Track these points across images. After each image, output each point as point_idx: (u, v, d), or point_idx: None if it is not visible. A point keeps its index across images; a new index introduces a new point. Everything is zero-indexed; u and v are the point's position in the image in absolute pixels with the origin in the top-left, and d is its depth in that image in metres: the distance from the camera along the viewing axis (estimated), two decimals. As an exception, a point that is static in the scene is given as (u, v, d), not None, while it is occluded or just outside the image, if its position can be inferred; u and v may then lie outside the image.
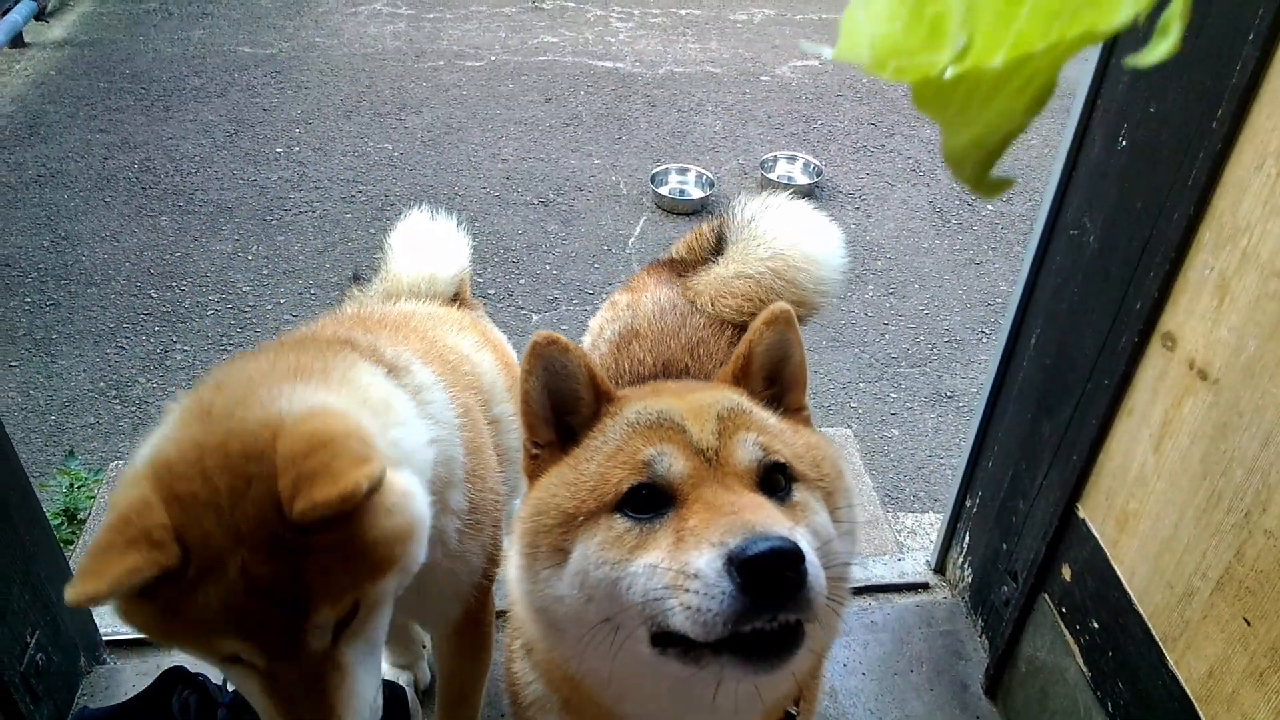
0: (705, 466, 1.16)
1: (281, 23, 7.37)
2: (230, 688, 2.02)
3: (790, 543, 1.00)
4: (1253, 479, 1.54)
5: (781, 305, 1.34)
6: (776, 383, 1.38)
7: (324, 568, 1.24)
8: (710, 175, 5.52)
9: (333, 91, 6.44)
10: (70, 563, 2.45)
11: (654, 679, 1.18)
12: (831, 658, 2.52)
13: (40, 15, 7.06)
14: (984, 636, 2.55)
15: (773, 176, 5.58)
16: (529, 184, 5.57)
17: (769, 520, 1.05)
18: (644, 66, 6.95)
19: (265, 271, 4.82)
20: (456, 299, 2.22)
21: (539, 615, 1.24)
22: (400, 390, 1.53)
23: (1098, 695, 2.01)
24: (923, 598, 2.73)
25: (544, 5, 7.85)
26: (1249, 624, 1.57)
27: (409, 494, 1.35)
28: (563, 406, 1.32)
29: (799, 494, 1.21)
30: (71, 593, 1.15)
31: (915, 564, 2.82)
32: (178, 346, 4.29)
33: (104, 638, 2.48)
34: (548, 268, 4.93)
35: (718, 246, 2.11)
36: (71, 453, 3.69)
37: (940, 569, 2.76)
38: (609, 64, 6.96)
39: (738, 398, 1.29)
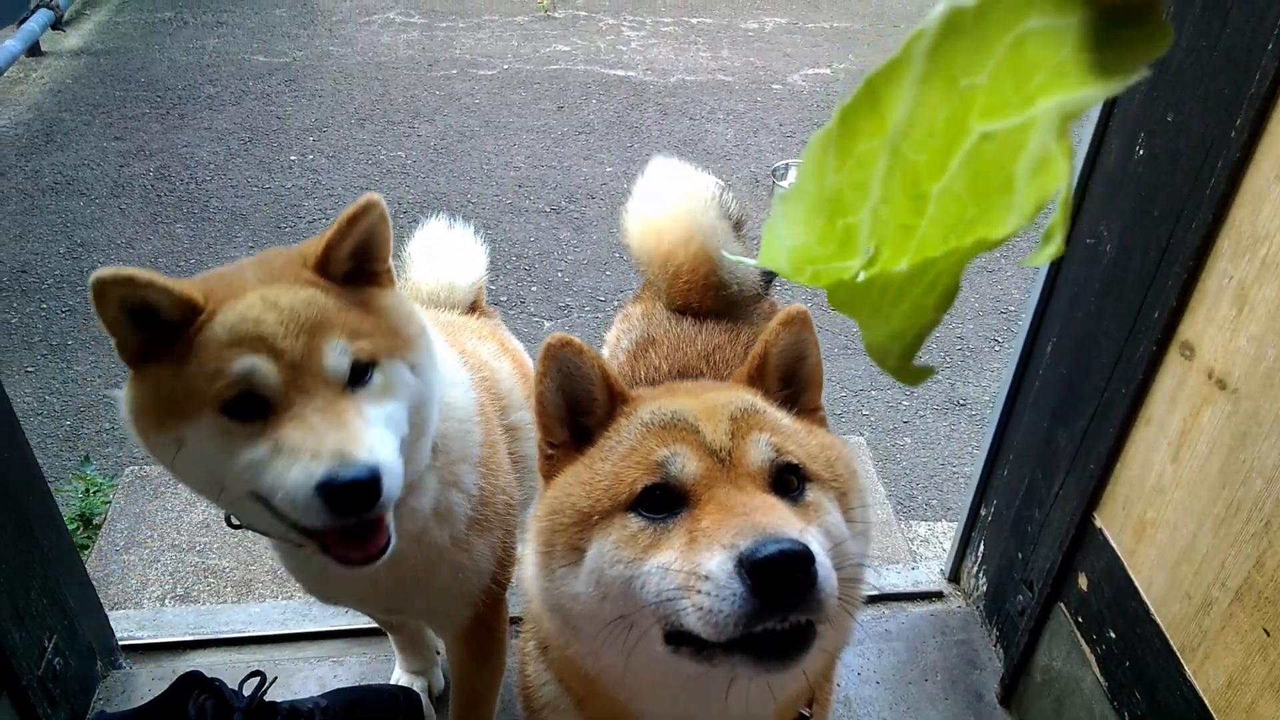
0: (718, 467, 1.17)
1: (295, 32, 7.42)
2: (246, 693, 2.03)
3: (800, 545, 1.01)
4: (1273, 488, 1.53)
5: (798, 306, 1.35)
6: (792, 383, 1.39)
7: (341, 307, 1.43)
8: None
9: (346, 100, 6.47)
10: (87, 568, 2.46)
11: (668, 676, 1.19)
12: (845, 665, 2.51)
13: (57, 24, 7.13)
14: (999, 646, 2.54)
15: (784, 184, 5.58)
16: (541, 191, 5.59)
17: (780, 522, 1.06)
18: (656, 75, 6.97)
19: (279, 278, 4.83)
20: (474, 307, 2.23)
21: (555, 613, 1.26)
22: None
23: (1114, 705, 2.00)
24: (937, 606, 2.72)
25: (556, 14, 7.89)
26: (1269, 634, 1.57)
27: (421, 317, 1.57)
28: (577, 407, 1.33)
29: (812, 494, 1.21)
30: (107, 270, 1.32)
31: (929, 572, 2.81)
32: (192, 353, 4.32)
33: (120, 642, 2.49)
34: (560, 275, 4.95)
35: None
36: (87, 458, 3.71)
37: (954, 578, 2.76)
38: (621, 72, 6.98)
39: (751, 398, 1.30)
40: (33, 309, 4.57)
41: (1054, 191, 0.46)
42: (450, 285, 2.14)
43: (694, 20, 7.88)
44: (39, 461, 2.25)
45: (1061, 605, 2.18)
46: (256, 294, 1.40)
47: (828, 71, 7.08)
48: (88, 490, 3.41)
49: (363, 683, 2.36)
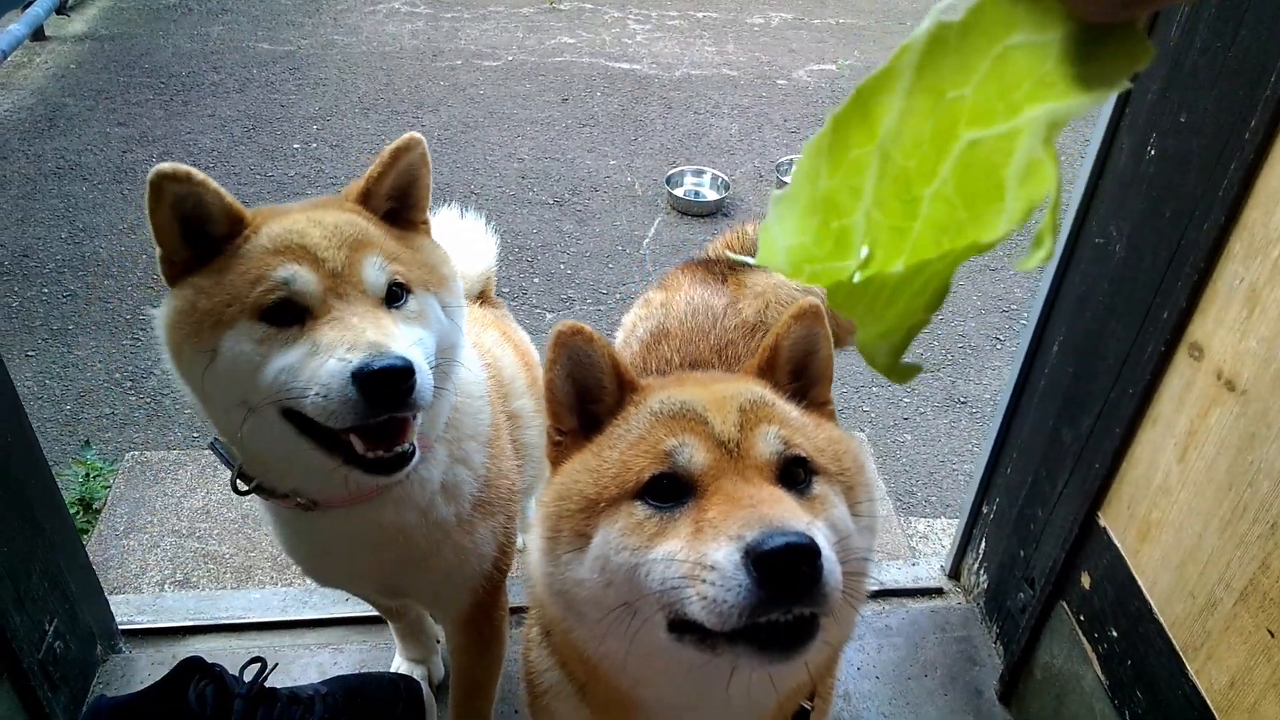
0: (726, 458, 1.17)
1: (300, 20, 7.40)
2: (247, 679, 2.03)
3: (807, 538, 1.01)
4: (1280, 490, 1.54)
5: (811, 300, 1.35)
6: (802, 377, 1.39)
7: (382, 234, 1.50)
8: (726, 178, 5.52)
9: (350, 89, 6.46)
10: (87, 552, 2.46)
11: (670, 664, 1.19)
12: (845, 660, 2.51)
13: (61, 9, 7.10)
14: (999, 643, 2.54)
15: (788, 180, 5.57)
16: (545, 183, 5.59)
17: (787, 515, 1.06)
18: (661, 68, 6.96)
19: (281, 266, 4.83)
20: (481, 297, 2.23)
21: (559, 598, 1.26)
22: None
23: (1115, 704, 2.00)
24: (937, 603, 2.73)
25: (561, 6, 7.87)
26: (1273, 635, 1.57)
27: (454, 265, 1.65)
28: (586, 395, 1.33)
29: (819, 487, 1.21)
30: (166, 165, 1.39)
31: (929, 569, 2.82)
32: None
33: (120, 627, 2.49)
34: (562, 267, 4.94)
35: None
36: (87, 443, 3.71)
37: (955, 574, 2.76)
38: (626, 65, 6.97)
39: (761, 390, 1.30)
40: (34, 293, 4.56)
41: (1043, 196, 0.47)
42: (460, 274, 2.15)
43: (699, 14, 7.87)
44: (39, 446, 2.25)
45: (1063, 603, 2.18)
46: (301, 214, 1.46)
47: (833, 68, 7.07)
48: (88, 475, 3.41)
49: (363, 670, 2.35)
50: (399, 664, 2.40)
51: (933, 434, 4.08)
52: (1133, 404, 1.86)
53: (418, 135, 1.57)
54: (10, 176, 5.38)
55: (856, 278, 0.54)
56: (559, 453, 1.34)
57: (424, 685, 2.29)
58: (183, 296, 1.43)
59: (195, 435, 3.84)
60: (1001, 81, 0.47)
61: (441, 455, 1.67)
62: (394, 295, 1.46)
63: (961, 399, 4.26)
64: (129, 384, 4.09)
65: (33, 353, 4.22)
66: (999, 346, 4.55)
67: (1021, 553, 2.38)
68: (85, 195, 5.25)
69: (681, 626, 1.10)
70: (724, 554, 1.03)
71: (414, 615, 2.34)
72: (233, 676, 2.03)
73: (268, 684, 2.05)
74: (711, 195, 5.47)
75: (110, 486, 3.32)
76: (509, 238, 5.06)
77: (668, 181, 5.45)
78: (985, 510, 2.57)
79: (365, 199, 1.55)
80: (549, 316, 4.57)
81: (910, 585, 2.76)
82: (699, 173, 5.57)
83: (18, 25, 6.45)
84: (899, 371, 0.60)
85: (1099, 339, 1.99)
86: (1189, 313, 1.71)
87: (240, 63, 6.70)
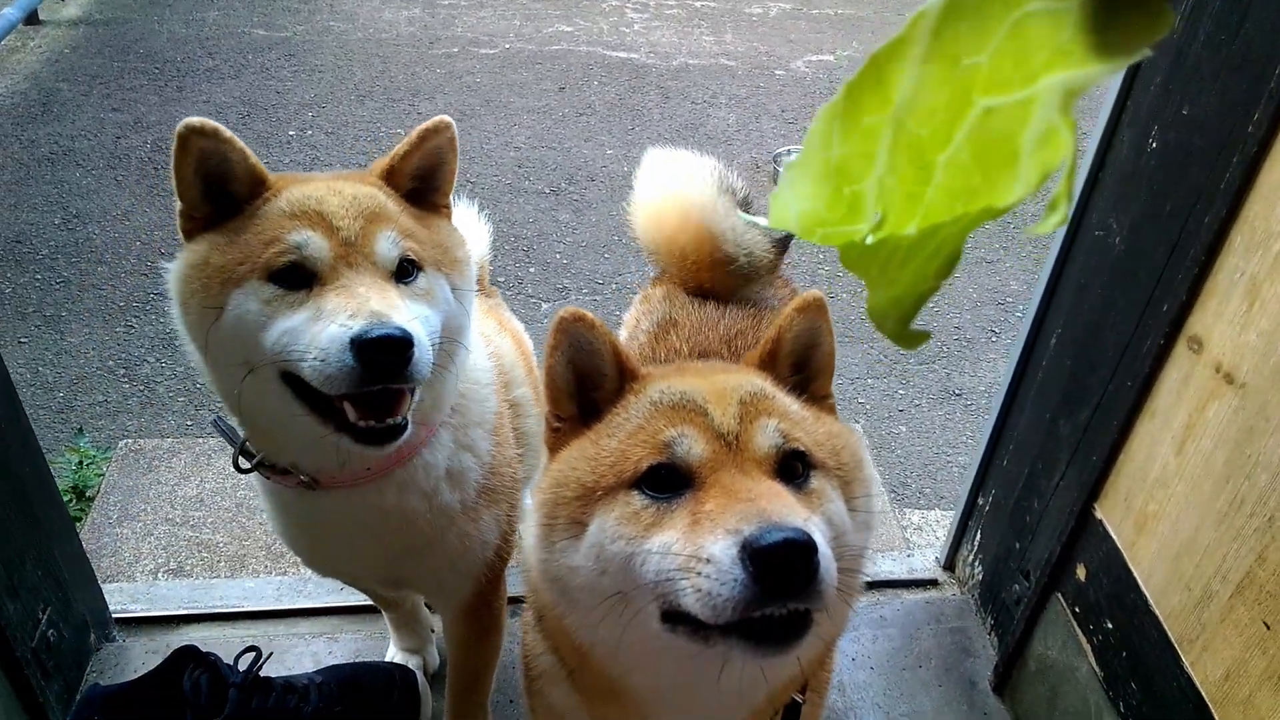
0: (725, 451, 1.17)
1: (296, 6, 7.36)
2: (241, 668, 2.02)
3: (805, 535, 1.01)
4: (1278, 483, 1.53)
5: (815, 292, 1.35)
6: (803, 369, 1.39)
7: (400, 210, 1.52)
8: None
9: (346, 76, 6.43)
10: (81, 540, 2.45)
11: (662, 654, 1.19)
12: (839, 650, 2.52)
13: (54, -8, 7.05)
14: (993, 634, 2.55)
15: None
16: (541, 173, 5.57)
17: (785, 510, 1.06)
18: (658, 58, 6.93)
19: (276, 254, 4.81)
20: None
21: (553, 584, 1.26)
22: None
23: (1109, 695, 2.01)
24: (931, 594, 2.73)
25: (558, -6, 7.84)
26: (1269, 628, 1.57)
27: (470, 253, 1.67)
28: (586, 382, 1.33)
29: (816, 481, 1.21)
30: (195, 119, 1.41)
31: (924, 560, 2.82)
32: (188, 327, 4.29)
33: (114, 615, 2.49)
34: (558, 256, 4.93)
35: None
36: (80, 430, 3.70)
37: (949, 566, 2.76)
38: (623, 54, 6.95)
39: (761, 382, 1.30)
40: (27, 280, 4.53)
41: (1059, 163, 0.47)
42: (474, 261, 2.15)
43: (698, 3, 7.84)
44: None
45: (1059, 595, 2.18)
46: (323, 182, 1.48)
47: (831, 58, 7.05)
48: (81, 463, 3.40)
49: (358, 660, 2.35)
50: (394, 653, 2.39)
51: (928, 426, 4.09)
52: (1131, 396, 1.86)
53: (448, 119, 1.59)
54: (3, 162, 5.34)
55: (869, 240, 0.54)
56: (557, 439, 1.34)
57: (419, 674, 2.29)
58: (196, 251, 1.45)
59: (189, 423, 3.83)
60: (1018, 49, 0.47)
61: (446, 440, 1.67)
62: (404, 271, 1.47)
63: (957, 391, 4.27)
64: (122, 371, 4.07)
65: (25, 339, 4.20)
66: (994, 339, 4.55)
67: (1017, 544, 2.38)
68: (79, 181, 5.22)
69: (675, 617, 1.10)
70: (720, 548, 1.02)
71: (409, 605, 2.34)
72: (227, 665, 2.03)
73: (262, 673, 2.05)
74: (708, 185, 5.45)
75: (103, 474, 3.30)
76: (505, 227, 5.04)
77: (665, 171, 5.43)
78: (981, 502, 2.57)
79: (389, 176, 1.57)
80: (545, 306, 4.56)
81: (905, 576, 2.76)
82: (696, 163, 5.54)
83: (11, 9, 6.40)
84: (908, 338, 0.59)
85: (1098, 331, 1.99)
86: (1188, 305, 1.71)
87: (235, 48, 6.66)
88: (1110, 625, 2.00)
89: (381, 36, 6.98)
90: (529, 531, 1.30)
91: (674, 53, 7.02)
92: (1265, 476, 1.56)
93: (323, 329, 1.33)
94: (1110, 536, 1.98)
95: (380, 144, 5.69)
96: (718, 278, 1.98)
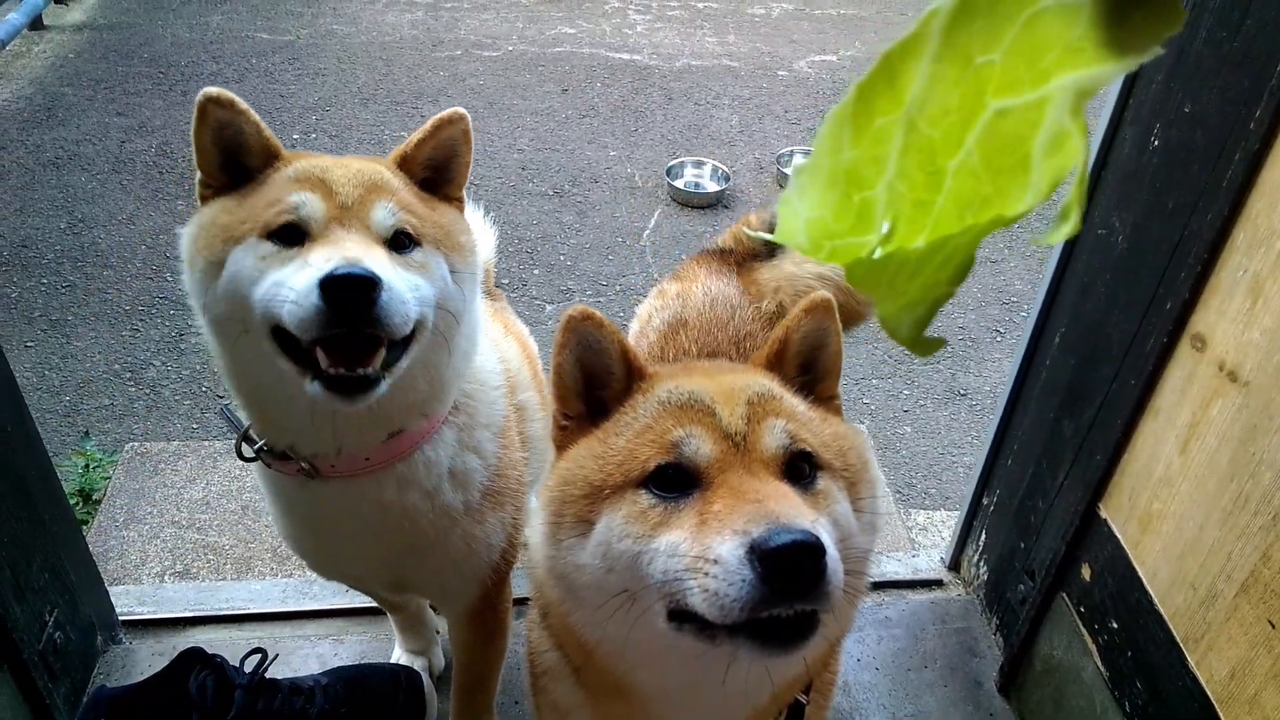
0: (732, 451, 1.17)
1: (300, 9, 7.38)
2: (247, 670, 2.03)
3: (812, 536, 1.01)
4: (1282, 482, 1.53)
5: (823, 294, 1.35)
6: (810, 370, 1.39)
7: (407, 189, 1.56)
8: (726, 169, 5.51)
9: (350, 79, 6.44)
10: (87, 542, 2.46)
11: (668, 652, 1.19)
12: (845, 651, 2.52)
13: (59, -2, 7.08)
14: (998, 634, 2.54)
15: (789, 171, 5.56)
16: (544, 175, 5.57)
17: (792, 511, 1.06)
18: (661, 59, 6.94)
19: (281, 257, 4.82)
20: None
21: (560, 582, 1.26)
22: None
23: (1115, 695, 2.00)
24: (937, 594, 2.73)
25: (561, -4, 7.84)
26: (1274, 626, 1.57)
27: (477, 243, 1.68)
28: (594, 380, 1.33)
29: (822, 482, 1.22)
30: (214, 89, 1.48)
31: (929, 560, 2.82)
32: (192, 330, 4.30)
33: (120, 618, 2.49)
34: (562, 258, 4.93)
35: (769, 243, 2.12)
36: (87, 434, 3.71)
37: (954, 566, 2.76)
38: (626, 56, 6.95)
39: (769, 383, 1.30)
40: (32, 284, 4.55)
41: (1070, 168, 0.46)
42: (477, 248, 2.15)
43: (700, 4, 7.84)
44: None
45: (1063, 595, 2.18)
46: (332, 158, 1.53)
47: (834, 59, 7.05)
48: (87, 466, 3.41)
49: (363, 661, 2.36)
50: (399, 655, 2.40)
51: (933, 426, 4.08)
52: (1134, 395, 1.86)
53: (463, 111, 1.62)
54: (9, 167, 5.36)
55: (877, 254, 0.53)
56: (565, 437, 1.35)
57: (425, 676, 2.30)
58: (207, 213, 1.51)
59: (194, 426, 3.84)
60: (1030, 47, 0.46)
61: (450, 439, 1.67)
62: (401, 243, 1.50)
63: (962, 391, 4.26)
64: (128, 375, 4.09)
65: (32, 343, 4.21)
66: (999, 339, 4.55)
67: (1022, 544, 2.38)
68: (84, 185, 5.24)
69: (681, 616, 1.10)
70: (728, 548, 1.03)
71: (414, 607, 2.34)
72: (233, 667, 2.03)
73: (268, 675, 2.05)
74: (712, 187, 5.46)
75: (110, 477, 3.31)
76: (509, 229, 5.05)
77: (668, 173, 5.44)
78: (985, 502, 2.57)
79: (403, 163, 1.61)
80: (549, 308, 4.57)
81: (910, 577, 2.76)
82: (699, 164, 5.56)
83: (16, 14, 6.43)
84: (923, 344, 0.59)
85: (1101, 330, 1.99)
86: (1191, 304, 1.71)
87: (239, 52, 6.68)
88: (1115, 625, 2.00)
89: (385, 39, 6.99)
90: (535, 529, 1.31)
91: (677, 54, 7.02)
92: (1269, 475, 1.56)
93: (300, 275, 1.37)
94: (1115, 536, 1.97)
95: (384, 147, 5.70)
96: None
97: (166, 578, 2.92)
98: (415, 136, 1.61)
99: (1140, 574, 1.90)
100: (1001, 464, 2.47)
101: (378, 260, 1.39)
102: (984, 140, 0.48)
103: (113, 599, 2.49)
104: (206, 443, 3.49)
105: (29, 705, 2.09)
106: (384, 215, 1.48)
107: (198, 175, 1.54)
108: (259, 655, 2.05)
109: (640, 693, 1.31)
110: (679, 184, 5.40)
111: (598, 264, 4.90)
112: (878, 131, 0.52)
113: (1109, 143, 1.92)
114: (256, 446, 1.60)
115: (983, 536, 2.61)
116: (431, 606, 2.41)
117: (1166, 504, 1.82)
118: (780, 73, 6.82)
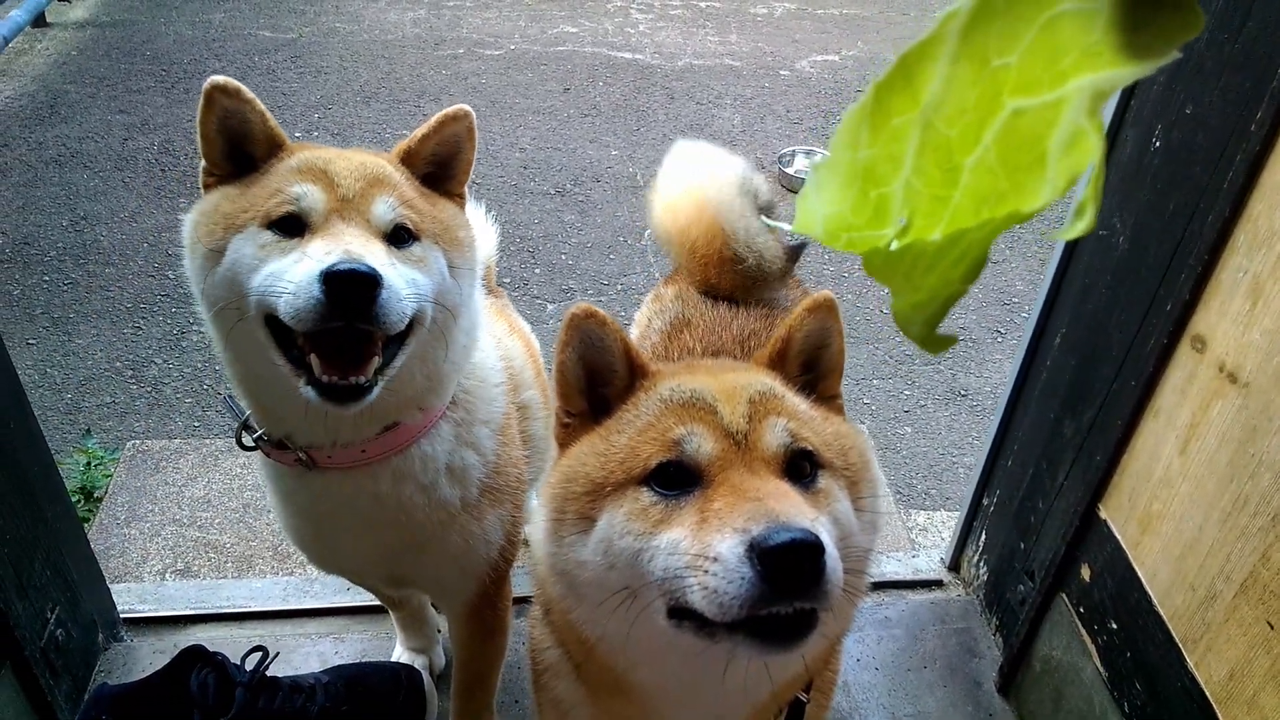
0: (734, 449, 1.18)
1: (302, 8, 7.38)
2: (248, 668, 2.03)
3: (812, 535, 1.01)
4: (1281, 483, 1.54)
5: (826, 293, 1.35)
6: (813, 369, 1.40)
7: (408, 185, 1.56)
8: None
9: (352, 78, 6.44)
10: (89, 540, 2.46)
11: (668, 649, 1.20)
12: (844, 651, 2.52)
13: (61, -5, 7.08)
14: (998, 634, 2.55)
15: (791, 171, 5.56)
16: (546, 174, 5.58)
17: (793, 510, 1.07)
18: (663, 58, 6.94)
19: (282, 255, 4.83)
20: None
21: (561, 578, 1.27)
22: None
23: (1114, 695, 2.01)
24: (936, 595, 2.73)
25: (564, -5, 7.84)
26: (1272, 628, 1.57)
27: (477, 240, 1.69)
28: (597, 378, 1.34)
29: (823, 481, 1.22)
30: (221, 78, 1.49)
31: (929, 561, 2.82)
32: (194, 328, 4.31)
33: (122, 615, 2.50)
34: (563, 257, 4.94)
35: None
36: (89, 431, 3.71)
37: (954, 566, 2.76)
38: (628, 55, 6.95)
39: (771, 382, 1.30)
40: (34, 281, 4.55)
41: (1086, 167, 0.47)
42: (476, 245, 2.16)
43: (703, 4, 7.84)
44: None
45: (1063, 595, 2.18)
46: (336, 150, 1.54)
47: (836, 58, 7.05)
48: (89, 463, 3.41)
49: (364, 660, 2.36)
50: (400, 653, 2.40)
51: (933, 427, 4.08)
52: (1134, 396, 1.86)
53: (467, 108, 1.62)
54: (11, 164, 5.37)
55: (894, 245, 0.54)
56: (567, 435, 1.35)
57: (425, 675, 2.30)
58: (209, 201, 1.52)
59: (196, 424, 3.85)
60: (1048, 50, 0.47)
61: (447, 434, 1.68)
62: (400, 237, 1.51)
63: (962, 392, 4.26)
64: (130, 373, 4.09)
65: (33, 341, 4.22)
66: (1000, 339, 4.55)
67: (1022, 545, 2.38)
68: (86, 183, 5.24)
69: (681, 613, 1.11)
70: (728, 546, 1.03)
71: (415, 605, 2.34)
72: (234, 665, 2.04)
73: (269, 673, 2.06)
74: (713, 186, 5.44)
75: (111, 475, 3.32)
76: (510, 228, 5.05)
77: (670, 172, 5.43)
78: (985, 502, 2.57)
79: (406, 158, 1.62)
80: (550, 307, 4.57)
81: (910, 577, 2.76)
82: (701, 163, 5.54)
83: (19, 12, 6.43)
84: (934, 341, 0.60)
85: (1101, 331, 1.99)
86: (1192, 305, 1.71)
87: (242, 50, 6.69)
88: (1115, 625, 2.00)
89: (387, 38, 6.99)
90: (537, 526, 1.31)
91: (679, 53, 7.02)
92: (1269, 476, 1.56)
93: (299, 267, 1.38)
94: (1114, 536, 1.98)
95: (385, 145, 5.66)
96: (725, 276, 1.99)
97: (168, 575, 2.93)
98: (420, 131, 1.61)
99: (1140, 574, 1.90)
100: (1002, 464, 2.48)
101: (376, 256, 1.40)
102: (1001, 138, 0.49)
103: (114, 596, 2.50)
104: (208, 441, 3.50)
105: (30, 702, 2.09)
106: (384, 210, 1.48)
107: (201, 163, 1.56)
108: (260, 653, 2.06)
109: (640, 690, 1.32)
110: (681, 183, 5.39)
111: (599, 263, 4.90)
112: (894, 130, 0.53)
113: (1111, 144, 1.92)
114: (255, 435, 1.61)
115: (983, 537, 2.61)
116: (433, 605, 2.42)
117: (1166, 505, 1.82)
118: (782, 72, 6.82)
